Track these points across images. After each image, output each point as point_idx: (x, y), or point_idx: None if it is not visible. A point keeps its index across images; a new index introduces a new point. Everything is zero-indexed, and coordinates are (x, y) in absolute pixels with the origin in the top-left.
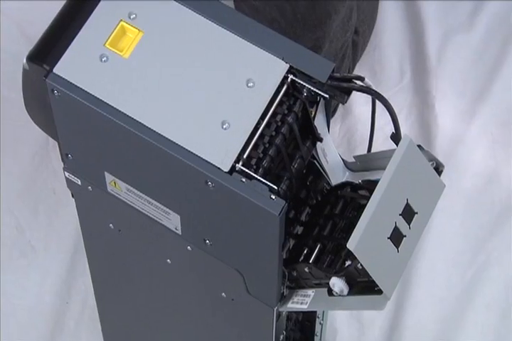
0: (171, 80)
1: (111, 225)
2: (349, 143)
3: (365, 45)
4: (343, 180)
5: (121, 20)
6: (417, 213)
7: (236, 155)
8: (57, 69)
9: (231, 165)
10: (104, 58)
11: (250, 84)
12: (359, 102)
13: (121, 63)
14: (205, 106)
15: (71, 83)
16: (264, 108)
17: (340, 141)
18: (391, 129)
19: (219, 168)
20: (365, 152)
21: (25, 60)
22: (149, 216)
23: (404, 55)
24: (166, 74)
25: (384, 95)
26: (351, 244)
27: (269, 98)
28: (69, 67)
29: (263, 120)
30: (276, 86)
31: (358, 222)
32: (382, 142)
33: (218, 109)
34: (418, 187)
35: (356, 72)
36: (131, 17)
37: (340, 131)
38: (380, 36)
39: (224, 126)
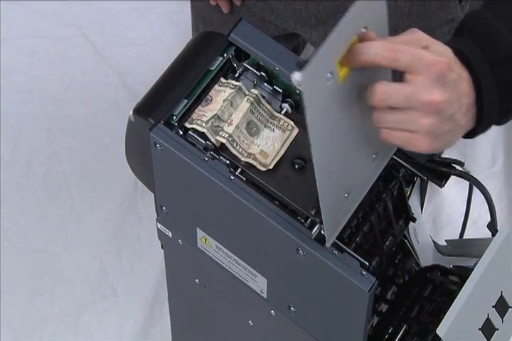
0: None
1: (196, 280)
2: (435, 222)
3: None
4: (433, 262)
5: None
6: (511, 307)
7: None
8: (162, 125)
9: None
10: None
11: None
12: (448, 183)
13: None
14: None
15: (174, 139)
16: None
17: (425, 220)
18: (479, 213)
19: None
20: (451, 233)
21: (131, 112)
22: (236, 276)
23: (498, 141)
24: None
25: None
26: (441, 331)
27: None
28: None
29: None
30: None
31: (450, 309)
32: (469, 226)
33: None
34: None
35: (447, 153)
36: None
37: (426, 210)
38: None
39: None
